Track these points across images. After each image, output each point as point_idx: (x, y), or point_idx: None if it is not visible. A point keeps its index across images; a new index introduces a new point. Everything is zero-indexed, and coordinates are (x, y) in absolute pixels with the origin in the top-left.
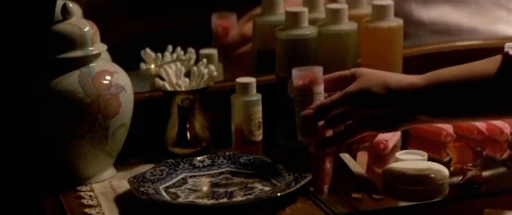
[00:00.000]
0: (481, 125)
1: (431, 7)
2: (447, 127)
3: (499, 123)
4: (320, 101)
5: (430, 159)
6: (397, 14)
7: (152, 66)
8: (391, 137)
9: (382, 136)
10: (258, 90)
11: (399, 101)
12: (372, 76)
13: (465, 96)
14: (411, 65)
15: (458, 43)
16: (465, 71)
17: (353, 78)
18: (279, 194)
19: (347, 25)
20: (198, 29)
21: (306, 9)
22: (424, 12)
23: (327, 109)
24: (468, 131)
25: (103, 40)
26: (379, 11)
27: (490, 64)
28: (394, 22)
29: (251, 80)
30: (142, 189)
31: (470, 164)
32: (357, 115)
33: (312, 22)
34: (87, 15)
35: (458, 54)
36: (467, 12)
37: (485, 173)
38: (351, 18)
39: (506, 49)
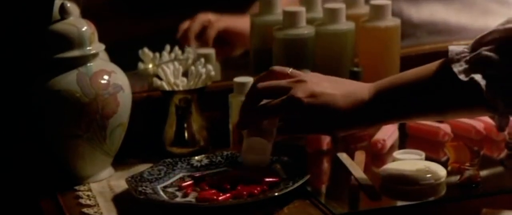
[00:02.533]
0: (478, 124)
1: (421, 5)
2: (445, 127)
3: None
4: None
5: (427, 158)
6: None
7: (150, 65)
8: (389, 137)
9: (379, 136)
10: None
11: (352, 118)
12: (320, 78)
13: (412, 99)
14: (408, 64)
15: (455, 43)
16: (411, 76)
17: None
18: (276, 194)
19: (344, 25)
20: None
21: (303, 9)
22: (414, 10)
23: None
24: (466, 130)
25: (101, 39)
26: (377, 11)
27: (434, 66)
28: (391, 21)
29: (249, 79)
30: (140, 188)
31: (467, 164)
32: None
33: (309, 21)
34: (85, 14)
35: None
36: (456, 7)
37: (483, 173)
38: (349, 17)
39: (454, 69)
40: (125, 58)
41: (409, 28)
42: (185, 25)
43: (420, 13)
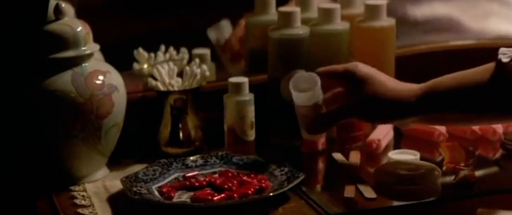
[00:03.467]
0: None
1: (422, 4)
2: (440, 127)
3: None
4: (323, 113)
5: (422, 158)
6: (389, 13)
7: (145, 66)
8: (384, 137)
9: (374, 136)
10: (250, 90)
11: (397, 115)
12: (375, 89)
13: (460, 105)
14: (404, 64)
15: (451, 43)
16: (461, 81)
17: (351, 78)
18: (271, 194)
19: (339, 25)
20: (191, 29)
21: (298, 9)
22: (417, 10)
23: (329, 122)
24: (461, 130)
25: (96, 40)
26: (372, 11)
27: (484, 72)
28: (386, 22)
29: (244, 79)
30: (134, 189)
31: (462, 164)
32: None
33: (304, 21)
34: (81, 14)
35: (451, 54)
36: (458, 7)
37: (478, 173)
38: (344, 17)
39: (499, 56)
40: (121, 58)
41: (411, 26)
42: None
43: (423, 11)
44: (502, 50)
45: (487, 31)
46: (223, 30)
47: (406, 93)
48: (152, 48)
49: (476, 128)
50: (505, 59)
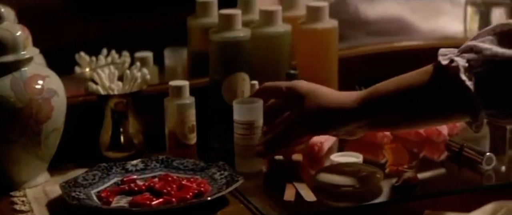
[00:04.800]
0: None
1: (374, 4)
2: None
3: None
4: (272, 137)
5: (366, 161)
6: (340, 13)
7: (87, 69)
8: (326, 139)
9: (317, 138)
10: (192, 93)
11: (340, 122)
12: (313, 100)
13: (400, 108)
14: (347, 66)
15: (395, 44)
16: (400, 83)
17: (294, 94)
18: (209, 198)
19: (281, 27)
20: (135, 32)
21: (239, 11)
22: (369, 9)
23: (279, 143)
24: (405, 132)
25: (39, 44)
26: (314, 13)
27: (424, 74)
28: (328, 23)
29: (184, 83)
30: (73, 194)
31: (405, 166)
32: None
33: (246, 24)
34: (24, 18)
35: (395, 55)
36: (410, 7)
37: (423, 175)
38: (286, 19)
39: (439, 58)
40: (64, 62)
41: (362, 26)
42: None
43: (375, 11)
44: (442, 51)
45: (437, 31)
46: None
47: (347, 99)
48: (98, 52)
49: (421, 130)
50: (444, 61)
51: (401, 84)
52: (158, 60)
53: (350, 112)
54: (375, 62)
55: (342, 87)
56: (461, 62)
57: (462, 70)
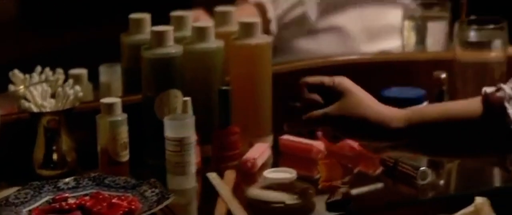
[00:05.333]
0: (352, 141)
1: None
2: (318, 144)
3: None
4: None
5: (300, 176)
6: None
7: (21, 87)
8: (260, 155)
9: (250, 154)
10: (126, 110)
11: (374, 136)
12: (354, 103)
13: (447, 137)
14: (281, 82)
15: (330, 59)
16: (447, 112)
17: (335, 90)
18: None
19: (213, 43)
20: (71, 49)
21: (171, 28)
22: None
23: (307, 123)
24: (340, 147)
25: None
26: (246, 29)
27: (471, 103)
28: (261, 39)
29: (116, 100)
30: (4, 213)
31: (338, 182)
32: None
33: (179, 40)
34: None
35: (331, 69)
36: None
37: (358, 190)
38: (220, 35)
39: (484, 89)
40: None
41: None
42: None
43: (321, 23)
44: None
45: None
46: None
47: (392, 117)
48: (32, 69)
49: (355, 144)
50: (489, 90)
51: (447, 109)
52: (94, 77)
53: (393, 132)
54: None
55: (275, 102)
56: (508, 90)
57: (507, 97)
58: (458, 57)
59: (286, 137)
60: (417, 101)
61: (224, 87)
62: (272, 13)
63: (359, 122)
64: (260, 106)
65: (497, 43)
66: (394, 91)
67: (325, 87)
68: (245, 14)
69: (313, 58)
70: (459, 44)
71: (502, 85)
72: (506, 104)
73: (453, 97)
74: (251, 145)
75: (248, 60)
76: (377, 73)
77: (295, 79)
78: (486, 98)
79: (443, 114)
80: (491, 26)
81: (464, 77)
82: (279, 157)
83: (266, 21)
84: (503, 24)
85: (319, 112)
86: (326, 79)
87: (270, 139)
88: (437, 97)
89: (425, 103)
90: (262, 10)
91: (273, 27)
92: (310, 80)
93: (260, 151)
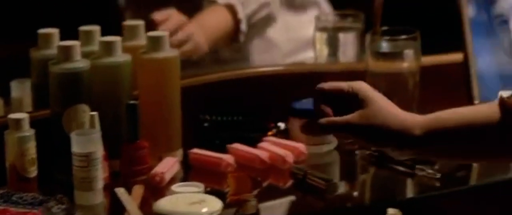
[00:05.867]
0: (262, 154)
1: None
2: (227, 157)
3: (281, 151)
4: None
5: (209, 190)
6: None
7: None
8: (168, 170)
9: (158, 169)
10: (36, 126)
11: (397, 144)
12: (375, 111)
13: (466, 142)
14: (191, 95)
15: (240, 71)
16: (466, 117)
17: (355, 97)
18: None
19: (120, 57)
20: None
21: (78, 42)
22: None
23: (325, 129)
24: (250, 160)
25: None
26: (154, 42)
27: (488, 108)
28: (169, 52)
29: (24, 115)
30: None
31: (247, 195)
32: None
33: (87, 55)
34: None
35: (241, 82)
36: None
37: (267, 204)
38: (128, 49)
39: (500, 93)
40: None
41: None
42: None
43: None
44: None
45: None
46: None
47: (413, 124)
48: None
49: (265, 157)
50: (505, 94)
51: (466, 115)
52: (6, 92)
53: (415, 139)
54: (221, 90)
55: (186, 116)
56: None
57: None
58: (370, 68)
59: (195, 150)
60: None
61: (131, 102)
62: (242, 14)
63: (381, 130)
64: (169, 120)
65: (409, 53)
66: (304, 104)
67: (344, 93)
68: (216, 15)
69: (224, 70)
70: (370, 55)
71: None
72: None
73: None
74: (160, 159)
75: (156, 74)
76: (289, 85)
77: (206, 92)
78: (503, 103)
79: (462, 119)
80: (403, 37)
81: (376, 88)
82: (189, 171)
83: (236, 22)
84: (416, 34)
85: (341, 120)
86: (344, 86)
87: (179, 153)
88: None
89: None
90: (232, 11)
91: (243, 27)
92: (327, 87)
93: (169, 165)
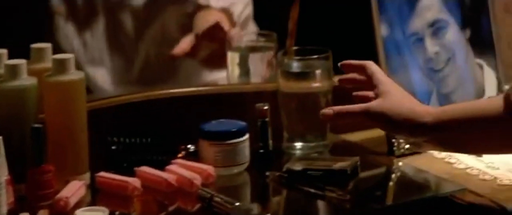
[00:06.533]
0: (170, 177)
1: None
2: (133, 181)
3: (189, 174)
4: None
5: (117, 214)
6: None
7: None
8: (73, 194)
9: (63, 193)
10: None
11: (409, 131)
12: (393, 101)
13: (474, 133)
14: (99, 118)
15: (149, 93)
16: (473, 109)
17: (375, 87)
18: None
19: (25, 80)
20: None
21: None
22: None
23: (344, 116)
24: (157, 183)
25: None
26: (59, 65)
27: (494, 103)
28: (75, 75)
29: None
30: None
31: None
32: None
33: None
34: None
35: (151, 104)
36: None
37: None
38: (35, 72)
39: (504, 87)
40: None
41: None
42: None
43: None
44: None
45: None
46: None
47: (424, 112)
48: None
49: (172, 180)
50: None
51: (474, 107)
52: None
53: (425, 127)
54: (131, 112)
55: (95, 138)
56: None
57: None
58: (281, 87)
59: (102, 174)
60: (237, 134)
61: (36, 125)
62: (236, 17)
63: (396, 118)
64: (76, 143)
65: (321, 72)
66: (213, 125)
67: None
68: (212, 18)
69: (132, 93)
70: (281, 75)
71: None
72: None
73: (278, 128)
74: (67, 183)
75: (62, 97)
76: (199, 106)
77: (116, 114)
78: (507, 96)
79: (470, 110)
80: (315, 56)
81: (288, 107)
82: (96, 195)
83: (232, 25)
84: (327, 53)
85: (362, 106)
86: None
87: (87, 176)
88: (260, 129)
89: (247, 135)
90: (227, 14)
91: (237, 30)
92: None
93: (74, 189)
